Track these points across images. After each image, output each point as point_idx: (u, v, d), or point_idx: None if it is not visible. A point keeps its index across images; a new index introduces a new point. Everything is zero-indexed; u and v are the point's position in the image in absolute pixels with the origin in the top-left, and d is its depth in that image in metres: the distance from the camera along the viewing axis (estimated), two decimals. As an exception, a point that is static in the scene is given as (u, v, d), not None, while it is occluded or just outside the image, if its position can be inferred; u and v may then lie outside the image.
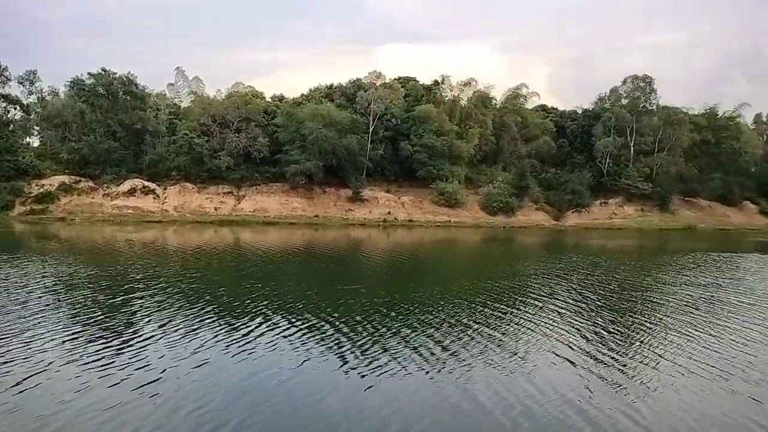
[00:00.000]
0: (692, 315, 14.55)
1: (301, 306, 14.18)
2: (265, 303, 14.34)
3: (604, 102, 68.87)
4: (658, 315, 14.61)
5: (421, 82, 65.37)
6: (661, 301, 16.57)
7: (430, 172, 57.13)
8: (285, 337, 11.23)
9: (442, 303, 15.30)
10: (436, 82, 65.12)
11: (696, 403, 8.37)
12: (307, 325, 12.18)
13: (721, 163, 68.24)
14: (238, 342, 10.78)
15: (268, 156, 54.89)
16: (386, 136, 58.43)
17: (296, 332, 11.56)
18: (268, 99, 63.05)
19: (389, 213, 54.23)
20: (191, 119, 56.07)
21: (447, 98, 64.02)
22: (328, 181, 55.82)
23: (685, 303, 16.20)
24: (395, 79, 64.84)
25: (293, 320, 12.53)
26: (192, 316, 12.79)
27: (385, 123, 58.63)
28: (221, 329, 11.69)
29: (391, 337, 11.45)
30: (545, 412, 7.85)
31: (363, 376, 9.06)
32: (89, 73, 52.77)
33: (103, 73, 53.12)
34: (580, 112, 71.01)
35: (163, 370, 9.07)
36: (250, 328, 11.79)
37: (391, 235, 42.52)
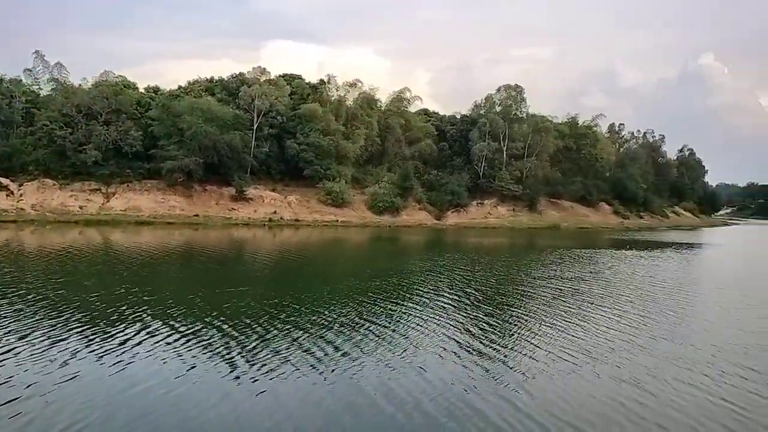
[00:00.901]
0: (561, 306, 15.93)
1: (183, 311, 13.39)
2: (143, 309, 13.33)
3: (480, 108, 73.13)
4: (531, 307, 15.80)
5: (307, 81, 64.73)
6: (533, 294, 17.95)
7: (317, 171, 56.79)
8: (168, 344, 10.53)
9: (333, 302, 15.29)
10: (322, 82, 64.84)
11: (567, 387, 9.16)
12: (191, 330, 11.52)
13: (581, 167, 75.72)
14: (115, 351, 9.92)
15: (141, 151, 51.03)
16: (272, 133, 57.09)
17: (180, 339, 10.89)
18: (141, 90, 58.71)
19: (275, 212, 53.08)
20: (52, 109, 50.46)
21: (333, 98, 64.02)
22: (210, 179, 53.26)
23: (553, 295, 17.69)
24: (280, 75, 63.57)
25: (176, 326, 11.79)
26: (59, 325, 11.53)
27: (271, 120, 57.26)
28: (94, 338, 10.67)
29: (282, 339, 11.21)
30: (436, 404, 8.14)
31: (254, 381, 8.77)
32: None
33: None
34: (458, 117, 74.72)
35: (28, 386, 8.09)
36: (127, 337, 10.90)
37: (277, 235, 41.67)
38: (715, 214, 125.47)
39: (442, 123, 73.67)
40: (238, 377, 8.91)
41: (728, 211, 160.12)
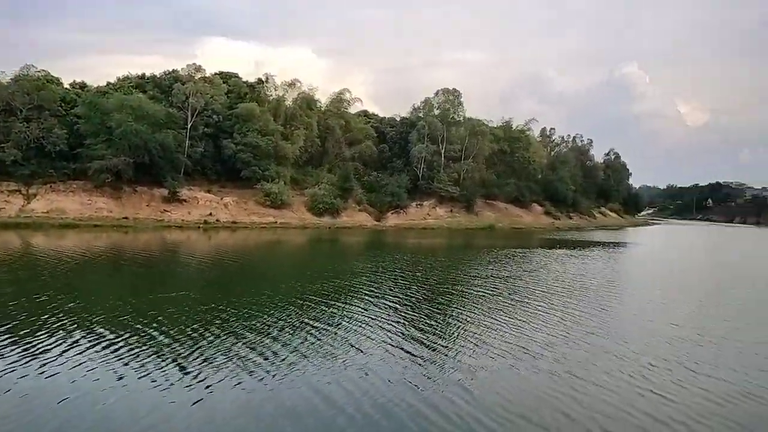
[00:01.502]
0: (499, 304, 16.32)
1: (112, 318, 12.68)
2: (68, 317, 12.51)
3: (419, 111, 74.06)
4: (471, 306, 16.10)
5: (244, 80, 63.25)
6: (472, 293, 18.30)
7: (255, 172, 55.51)
8: (96, 353, 9.93)
9: (273, 306, 14.96)
10: (260, 81, 63.51)
11: (507, 383, 9.38)
12: (121, 338, 10.92)
13: (515, 170, 78.23)
14: (38, 362, 9.25)
15: (66, 150, 48.07)
16: (207, 133, 55.30)
17: (109, 347, 10.29)
18: (66, 86, 55.36)
19: (210, 214, 51.45)
20: (-37, 104, 46.72)
21: (271, 98, 62.86)
22: (140, 180, 50.90)
23: (491, 294, 18.11)
24: (216, 73, 61.75)
25: (104, 334, 11.14)
26: (-31, 338, 10.61)
27: (206, 119, 55.46)
28: (15, 349, 9.91)
29: (218, 345, 10.82)
30: (378, 406, 8.09)
31: (189, 390, 8.40)
32: None
33: None
34: (398, 119, 75.36)
35: (-69, 407, 7.38)
36: (50, 346, 10.18)
37: (213, 237, 40.39)
38: (638, 214, 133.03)
39: (381, 125, 74.03)
40: (171, 386, 8.51)
41: (650, 211, 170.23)
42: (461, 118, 72.98)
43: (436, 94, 73.67)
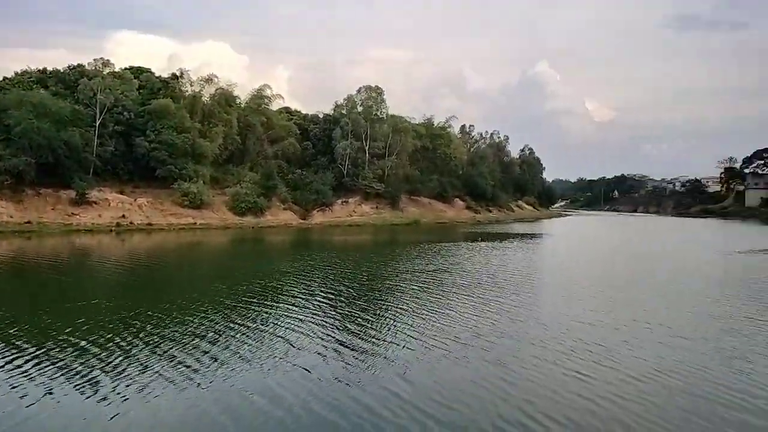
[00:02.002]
0: (429, 297, 16.77)
1: (28, 330, 11.82)
2: (-28, 332, 11.48)
3: (342, 108, 74.09)
4: (402, 300, 16.43)
5: (157, 75, 60.33)
6: (403, 288, 18.67)
7: (172, 171, 53.12)
8: (16, 368, 9.25)
9: (202, 309, 14.49)
10: (174, 76, 60.81)
11: (442, 372, 9.73)
12: (42, 351, 10.20)
13: (437, 166, 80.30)
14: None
15: (-45, 150, 43.80)
16: (118, 131, 52.24)
17: (30, 361, 9.61)
18: (-45, 80, 50.38)
19: (123, 216, 48.70)
20: None
21: (187, 94, 60.44)
22: (44, 182, 47.24)
23: (420, 287, 18.55)
24: (127, 68, 58.49)
25: (23, 347, 10.38)
26: None
27: (116, 116, 52.37)
28: None
29: (149, 352, 10.38)
30: (323, 402, 8.14)
31: (124, 400, 8.01)
32: None
33: None
34: (321, 116, 74.96)
35: None
36: (-45, 366, 9.32)
37: (127, 240, 38.29)
38: (552, 206, 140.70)
39: (305, 122, 73.34)
40: (104, 398, 8.08)
41: (562, 203, 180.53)
42: (384, 115, 73.80)
43: (359, 91, 74.06)
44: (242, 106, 66.22)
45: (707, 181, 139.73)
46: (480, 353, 10.84)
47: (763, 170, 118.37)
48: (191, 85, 61.42)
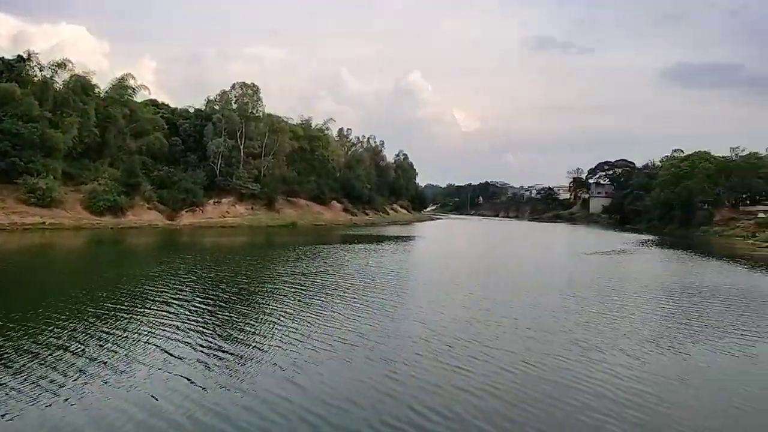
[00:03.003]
0: (310, 300, 16.67)
1: None
2: None
3: (214, 104, 70.81)
4: (284, 303, 16.13)
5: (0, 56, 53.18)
6: (283, 291, 18.34)
7: (16, 164, 47.01)
8: None
9: (56, 320, 12.93)
10: (20, 58, 53.94)
11: (331, 373, 9.73)
12: None
13: (315, 168, 80.00)
14: None
15: None
16: (-53, 116, 45.28)
17: None
18: None
19: (-47, 215, 42.22)
20: None
21: (36, 79, 54.00)
22: None
23: (301, 290, 18.37)
24: (-42, 44, 50.96)
25: None
26: None
27: (-55, 99, 45.37)
28: None
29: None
30: (207, 410, 7.75)
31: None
32: None
33: None
34: (192, 111, 70.99)
35: None
36: None
37: (-42, 242, 33.20)
38: (424, 210, 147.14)
39: (173, 116, 68.81)
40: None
41: (433, 207, 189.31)
42: (261, 114, 71.96)
43: (233, 87, 71.58)
44: (101, 95, 60.60)
45: (559, 189, 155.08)
46: (365, 353, 10.99)
47: (605, 181, 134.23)
48: (41, 70, 55.05)
